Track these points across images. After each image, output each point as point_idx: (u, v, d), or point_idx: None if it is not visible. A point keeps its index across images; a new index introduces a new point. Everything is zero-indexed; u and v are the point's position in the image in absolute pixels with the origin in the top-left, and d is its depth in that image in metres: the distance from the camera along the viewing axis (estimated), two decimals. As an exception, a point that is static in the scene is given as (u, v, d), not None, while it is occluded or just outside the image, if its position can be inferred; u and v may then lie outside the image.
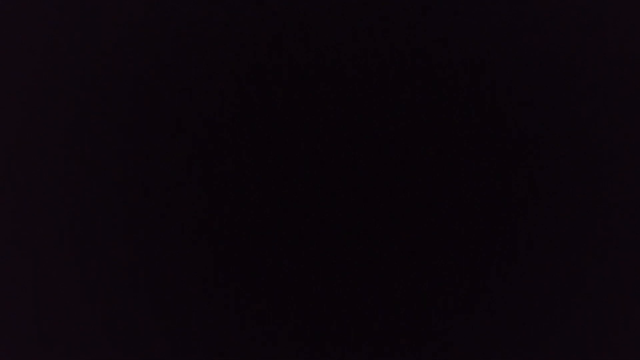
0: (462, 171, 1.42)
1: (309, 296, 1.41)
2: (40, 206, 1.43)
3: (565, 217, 1.41)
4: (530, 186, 1.41)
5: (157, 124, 1.43)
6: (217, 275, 1.42)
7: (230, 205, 1.42)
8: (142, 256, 1.42)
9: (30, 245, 1.43)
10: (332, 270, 1.41)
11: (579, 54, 1.43)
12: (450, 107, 1.42)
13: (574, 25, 1.43)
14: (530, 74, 1.43)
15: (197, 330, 1.41)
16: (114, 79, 1.43)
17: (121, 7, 1.44)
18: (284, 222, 1.42)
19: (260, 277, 1.42)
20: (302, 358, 1.41)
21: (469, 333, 1.40)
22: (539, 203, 1.41)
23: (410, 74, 1.42)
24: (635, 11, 1.44)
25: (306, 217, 1.42)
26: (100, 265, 1.42)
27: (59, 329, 1.42)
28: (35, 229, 1.43)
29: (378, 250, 1.41)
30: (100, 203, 1.43)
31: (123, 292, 1.42)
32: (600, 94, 1.43)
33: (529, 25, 1.43)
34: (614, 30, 1.43)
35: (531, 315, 1.41)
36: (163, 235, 1.42)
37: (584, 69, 1.43)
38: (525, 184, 1.41)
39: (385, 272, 1.41)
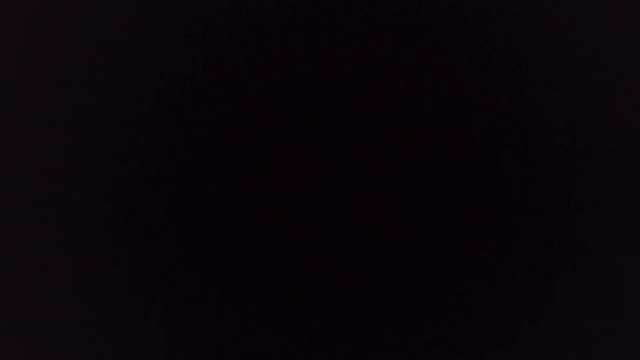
0: (462, 171, 1.42)
1: (308, 297, 1.41)
2: (39, 206, 1.43)
3: (565, 217, 1.41)
4: (529, 186, 1.41)
5: (155, 124, 1.43)
6: (215, 276, 1.42)
7: (229, 206, 1.42)
8: (141, 256, 1.42)
9: (30, 246, 1.43)
10: (333, 270, 1.42)
11: (580, 54, 1.43)
12: (449, 107, 1.42)
13: (574, 25, 1.43)
14: (530, 74, 1.43)
15: (196, 330, 1.41)
16: (111, 79, 1.43)
17: (120, 7, 1.44)
18: (283, 223, 1.42)
19: (259, 278, 1.42)
20: (300, 358, 1.41)
21: (469, 333, 1.41)
22: (538, 203, 1.41)
23: (408, 74, 1.42)
24: (635, 11, 1.44)
25: (306, 217, 1.42)
26: (99, 265, 1.42)
27: (58, 329, 1.42)
28: (35, 229, 1.43)
29: (378, 250, 1.41)
30: (99, 203, 1.43)
31: (122, 292, 1.42)
32: (599, 94, 1.43)
33: (529, 25, 1.43)
34: (614, 30, 1.43)
35: (531, 316, 1.41)
36: (162, 235, 1.42)
37: (584, 68, 1.43)
38: (525, 184, 1.42)
39: (385, 273, 1.41)
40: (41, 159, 1.44)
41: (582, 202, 1.41)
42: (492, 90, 1.42)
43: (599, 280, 1.41)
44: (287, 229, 1.42)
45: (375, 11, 1.43)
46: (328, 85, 1.42)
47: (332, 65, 1.43)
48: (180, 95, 1.43)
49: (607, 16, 1.44)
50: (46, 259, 1.43)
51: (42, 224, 1.43)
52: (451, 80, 1.42)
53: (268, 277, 1.42)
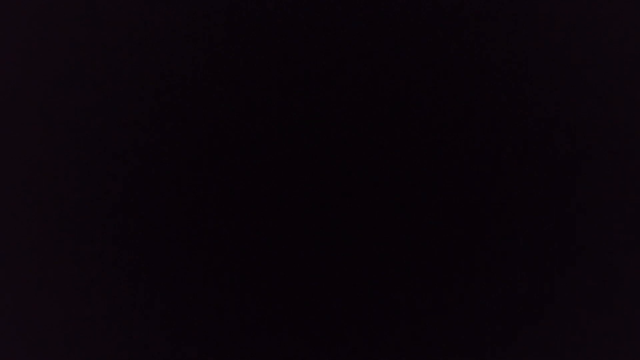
0: (462, 171, 1.42)
1: (308, 297, 1.41)
2: (39, 206, 1.43)
3: (565, 217, 1.41)
4: (529, 186, 1.41)
5: (155, 124, 1.43)
6: (215, 276, 1.42)
7: (229, 206, 1.42)
8: (141, 256, 1.42)
9: (30, 246, 1.43)
10: (333, 271, 1.41)
11: (580, 54, 1.43)
12: (449, 107, 1.42)
13: (574, 25, 1.43)
14: (530, 74, 1.43)
15: (196, 330, 1.41)
16: (108, 79, 1.43)
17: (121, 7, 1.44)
18: (283, 223, 1.42)
19: (259, 278, 1.42)
20: (301, 358, 1.41)
21: (469, 333, 1.40)
22: (538, 203, 1.41)
23: (408, 74, 1.42)
24: (635, 11, 1.44)
25: (306, 217, 1.42)
26: (99, 265, 1.42)
27: (59, 329, 1.42)
28: (35, 229, 1.43)
29: (378, 251, 1.41)
30: (99, 203, 1.43)
31: (122, 292, 1.42)
32: (599, 94, 1.43)
33: (529, 25, 1.43)
34: (614, 30, 1.43)
35: (531, 316, 1.41)
36: (162, 235, 1.42)
37: (584, 68, 1.43)
38: (525, 184, 1.42)
39: (385, 273, 1.41)
40: (41, 159, 1.44)
41: (582, 202, 1.41)
42: (492, 90, 1.42)
43: (599, 280, 1.41)
44: (287, 229, 1.42)
45: (376, 11, 1.43)
46: (328, 85, 1.42)
47: (332, 65, 1.43)
48: (180, 95, 1.43)
49: (607, 16, 1.44)
50: (46, 259, 1.43)
51: (42, 224, 1.43)
52: (451, 80, 1.42)
53: (268, 277, 1.42)
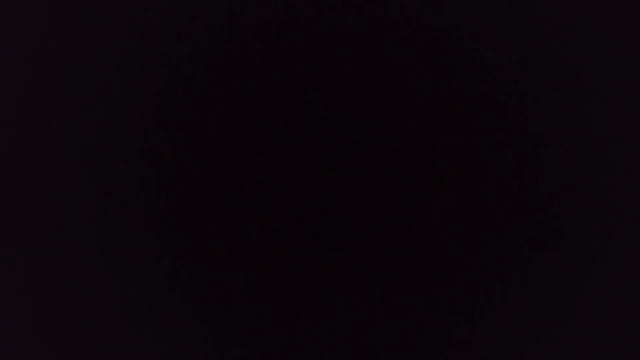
0: (462, 172, 1.42)
1: (308, 297, 1.41)
2: (39, 207, 1.43)
3: (565, 217, 1.41)
4: (529, 186, 1.42)
5: (155, 124, 1.43)
6: (215, 276, 1.42)
7: (229, 207, 1.42)
8: (141, 256, 1.42)
9: (28, 245, 1.43)
10: (332, 271, 1.42)
11: (580, 54, 1.43)
12: (448, 108, 1.42)
13: (574, 25, 1.43)
14: (530, 74, 1.43)
15: (195, 330, 1.42)
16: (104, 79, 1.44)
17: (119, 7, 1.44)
18: (283, 223, 1.42)
19: (258, 278, 1.42)
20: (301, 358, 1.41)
21: (468, 333, 1.41)
22: (538, 203, 1.41)
23: (408, 74, 1.42)
24: (635, 11, 1.44)
25: (305, 218, 1.42)
26: (98, 265, 1.42)
27: (58, 329, 1.42)
28: (32, 229, 1.43)
29: (378, 251, 1.42)
30: (99, 203, 1.43)
31: (119, 292, 1.42)
32: (600, 94, 1.43)
33: (529, 26, 1.43)
34: (614, 30, 1.43)
35: (531, 316, 1.41)
36: (162, 235, 1.42)
37: (584, 69, 1.43)
38: (525, 184, 1.42)
39: (385, 274, 1.41)
40: (41, 159, 1.44)
41: (583, 202, 1.41)
42: (492, 91, 1.42)
43: (600, 280, 1.41)
44: (286, 230, 1.42)
45: (375, 11, 1.44)
46: (327, 86, 1.43)
47: (332, 65, 1.43)
48: (180, 95, 1.43)
49: (607, 16, 1.44)
50: (46, 259, 1.43)
51: (42, 224, 1.43)
52: (451, 81, 1.42)
53: (267, 278, 1.42)
